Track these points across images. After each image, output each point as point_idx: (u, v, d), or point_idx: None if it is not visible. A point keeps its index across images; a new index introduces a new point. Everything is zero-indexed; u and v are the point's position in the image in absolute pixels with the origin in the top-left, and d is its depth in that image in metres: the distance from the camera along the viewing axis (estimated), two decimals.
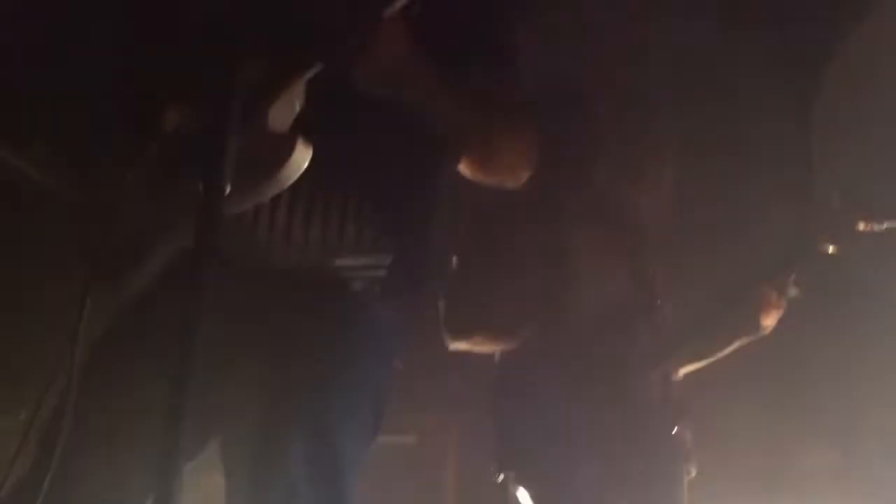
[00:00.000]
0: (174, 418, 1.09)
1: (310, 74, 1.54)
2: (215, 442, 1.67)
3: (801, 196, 3.95)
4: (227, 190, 1.23)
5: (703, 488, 3.07)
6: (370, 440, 1.74)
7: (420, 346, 2.15)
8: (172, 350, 1.13)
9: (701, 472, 2.98)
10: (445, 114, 1.73)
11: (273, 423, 1.61)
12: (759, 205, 3.94)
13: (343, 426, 1.65)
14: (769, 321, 2.94)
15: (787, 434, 4.13)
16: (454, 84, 1.70)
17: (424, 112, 1.71)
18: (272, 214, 1.67)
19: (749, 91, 3.95)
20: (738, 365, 3.08)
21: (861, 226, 2.80)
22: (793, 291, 2.91)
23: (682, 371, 2.99)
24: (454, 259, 2.94)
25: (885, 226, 2.81)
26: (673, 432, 2.86)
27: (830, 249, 2.83)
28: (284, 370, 1.63)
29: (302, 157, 1.49)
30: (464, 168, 1.88)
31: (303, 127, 1.56)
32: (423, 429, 3.96)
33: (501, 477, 2.74)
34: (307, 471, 1.59)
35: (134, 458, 1.53)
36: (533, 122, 1.87)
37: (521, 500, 2.73)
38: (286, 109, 1.58)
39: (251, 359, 1.64)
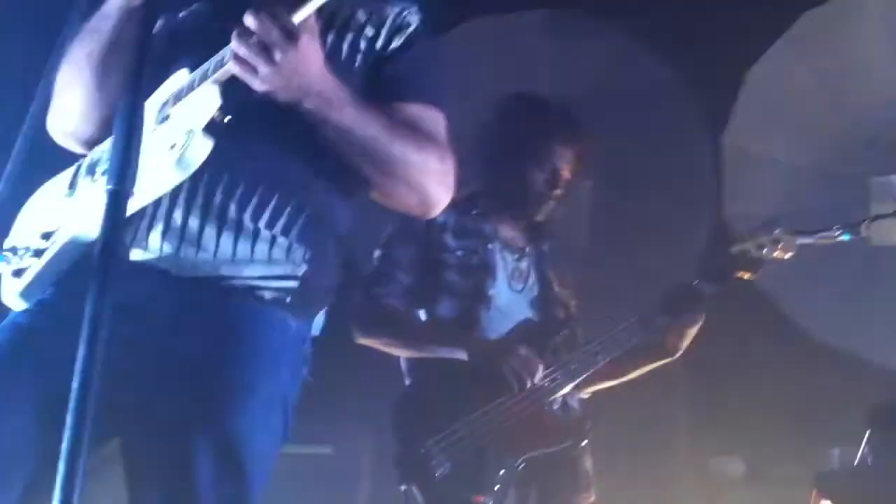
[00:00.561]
0: (78, 414, 1.10)
1: None
2: (116, 441, 1.67)
3: (712, 219, 4.11)
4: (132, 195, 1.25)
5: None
6: (277, 448, 1.75)
7: (335, 356, 2.17)
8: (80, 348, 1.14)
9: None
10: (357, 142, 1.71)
11: (180, 426, 1.61)
12: (671, 226, 4.08)
13: (251, 433, 1.65)
14: (682, 343, 2.98)
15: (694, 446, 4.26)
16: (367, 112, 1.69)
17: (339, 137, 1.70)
18: (184, 221, 1.69)
19: (662, 115, 4.09)
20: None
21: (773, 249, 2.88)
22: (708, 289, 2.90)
23: (591, 390, 3.05)
24: (376, 255, 2.98)
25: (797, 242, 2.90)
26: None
27: (745, 276, 2.91)
28: (192, 375, 1.64)
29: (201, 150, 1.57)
30: (375, 195, 1.85)
31: (216, 128, 1.61)
32: (338, 438, 3.97)
33: (404, 488, 2.77)
34: (213, 476, 1.60)
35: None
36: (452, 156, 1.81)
37: None
38: (203, 107, 1.63)
39: (158, 363, 1.64)
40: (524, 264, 3.09)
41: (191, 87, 1.67)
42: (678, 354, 3.01)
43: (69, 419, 1.11)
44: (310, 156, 1.75)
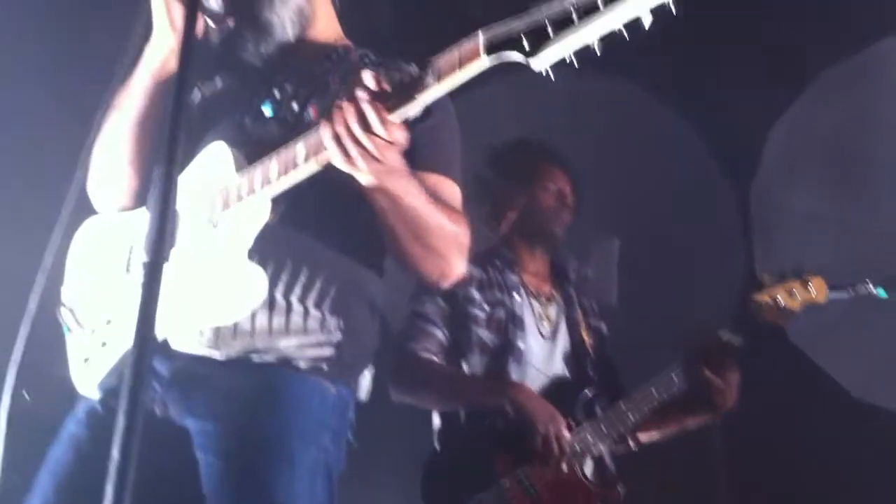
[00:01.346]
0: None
1: None
2: None
3: (743, 275, 4.07)
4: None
5: None
6: None
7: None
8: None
9: None
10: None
11: (226, 500, 1.64)
12: (702, 282, 4.05)
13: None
14: (723, 398, 2.89)
15: None
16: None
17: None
18: None
19: (689, 169, 4.09)
20: None
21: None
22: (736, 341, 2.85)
23: (642, 441, 3.00)
24: (407, 312, 2.98)
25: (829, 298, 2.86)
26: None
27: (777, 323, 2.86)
28: (235, 450, 1.66)
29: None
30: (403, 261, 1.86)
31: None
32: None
33: None
34: None
35: None
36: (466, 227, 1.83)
37: None
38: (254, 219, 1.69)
39: (201, 442, 1.68)
40: (552, 310, 3.10)
41: (250, 191, 1.69)
42: (722, 410, 2.92)
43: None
44: (336, 231, 1.80)
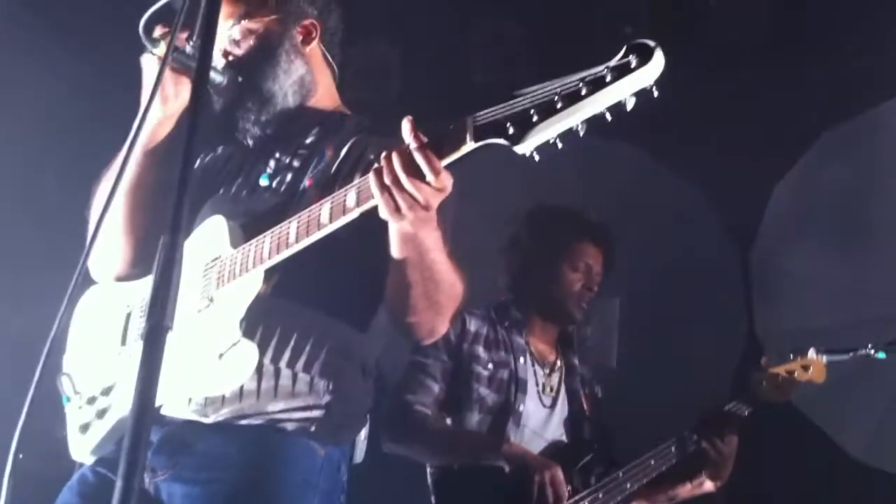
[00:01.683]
0: None
1: None
2: None
3: (744, 335, 4.08)
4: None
5: None
6: None
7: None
8: None
9: None
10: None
11: None
12: (703, 343, 4.05)
13: None
14: (721, 470, 2.90)
15: None
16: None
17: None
18: None
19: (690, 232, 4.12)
20: None
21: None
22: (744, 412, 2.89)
23: None
24: (407, 360, 2.95)
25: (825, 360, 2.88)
26: None
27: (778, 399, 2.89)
28: None
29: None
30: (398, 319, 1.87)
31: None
32: None
33: None
34: None
35: None
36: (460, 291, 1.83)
37: None
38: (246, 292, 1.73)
39: None
40: (554, 379, 3.09)
41: (244, 269, 1.73)
42: (720, 482, 2.93)
43: None
44: (325, 295, 1.81)
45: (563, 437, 3.01)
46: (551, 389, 3.07)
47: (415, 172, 1.51)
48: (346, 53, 2.14)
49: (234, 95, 1.94)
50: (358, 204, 1.60)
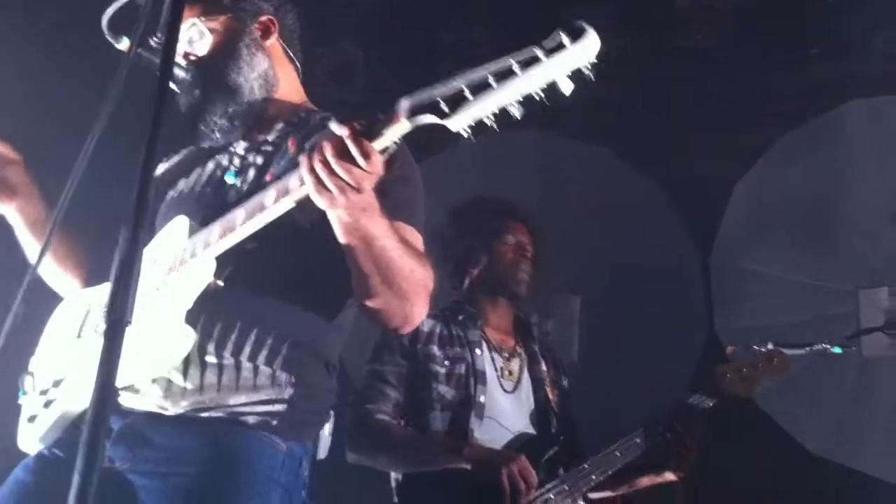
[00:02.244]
0: None
1: None
2: None
3: (704, 332, 4.14)
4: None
5: None
6: None
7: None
8: None
9: None
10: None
11: None
12: (663, 340, 4.10)
13: None
14: (684, 462, 2.93)
15: None
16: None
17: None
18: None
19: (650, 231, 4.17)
20: None
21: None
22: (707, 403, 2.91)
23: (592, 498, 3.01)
24: (365, 370, 2.96)
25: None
26: None
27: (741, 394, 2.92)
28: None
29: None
30: (365, 308, 1.85)
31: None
32: None
33: None
34: None
35: None
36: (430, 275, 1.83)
37: None
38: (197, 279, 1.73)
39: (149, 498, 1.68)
40: (514, 364, 3.11)
41: (192, 254, 1.75)
42: (682, 474, 2.95)
43: None
44: (287, 288, 1.81)
45: (531, 430, 3.03)
46: (510, 373, 3.08)
47: (345, 156, 1.53)
48: (312, 53, 2.16)
49: (200, 91, 1.94)
50: (300, 186, 1.62)
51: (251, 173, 1.92)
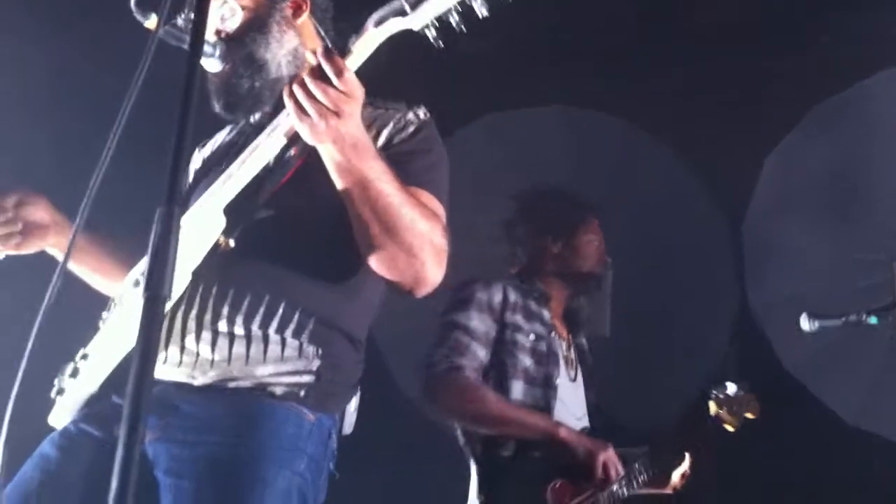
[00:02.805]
0: None
1: None
2: None
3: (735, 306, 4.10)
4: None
5: None
6: None
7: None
8: None
9: None
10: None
11: None
12: (695, 313, 4.07)
13: None
14: (676, 478, 3.04)
15: None
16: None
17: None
18: (197, 338, 1.77)
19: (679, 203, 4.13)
20: None
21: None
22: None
23: None
24: (446, 320, 2.93)
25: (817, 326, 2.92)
26: None
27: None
28: (212, 472, 1.67)
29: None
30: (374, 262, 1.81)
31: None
32: None
33: None
34: None
35: None
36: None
37: None
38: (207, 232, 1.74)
39: (176, 465, 1.69)
40: (572, 354, 3.13)
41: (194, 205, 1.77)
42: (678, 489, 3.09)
43: None
44: (309, 260, 1.81)
45: (585, 422, 3.06)
46: (571, 363, 3.10)
47: (321, 77, 1.55)
48: (339, 30, 2.15)
49: (229, 67, 1.95)
50: (286, 117, 1.67)
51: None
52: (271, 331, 1.77)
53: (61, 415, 1.85)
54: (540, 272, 3.16)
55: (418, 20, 1.54)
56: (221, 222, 1.73)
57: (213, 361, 1.75)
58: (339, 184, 1.67)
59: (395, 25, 1.58)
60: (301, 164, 1.82)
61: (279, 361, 1.77)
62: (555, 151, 4.28)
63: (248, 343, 1.76)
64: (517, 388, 2.89)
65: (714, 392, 3.04)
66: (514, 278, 3.13)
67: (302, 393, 1.77)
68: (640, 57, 4.17)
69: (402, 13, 1.55)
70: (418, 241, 1.73)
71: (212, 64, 1.93)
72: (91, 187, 1.55)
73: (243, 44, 1.95)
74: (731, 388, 3.02)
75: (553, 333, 3.05)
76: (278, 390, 1.76)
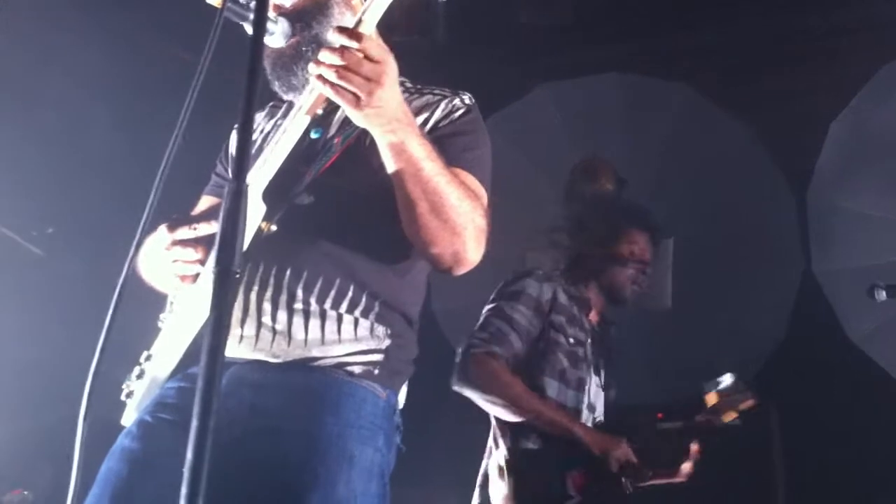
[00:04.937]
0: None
1: None
2: None
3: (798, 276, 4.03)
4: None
5: None
6: None
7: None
8: None
9: None
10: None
11: (291, 495, 1.65)
12: (756, 284, 4.02)
13: (352, 501, 1.69)
14: (686, 468, 3.04)
15: None
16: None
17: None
18: (272, 318, 1.81)
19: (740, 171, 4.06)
20: None
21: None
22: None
23: None
24: (491, 307, 3.02)
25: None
26: None
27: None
28: (299, 447, 1.70)
29: None
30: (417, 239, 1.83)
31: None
32: None
33: None
34: None
35: None
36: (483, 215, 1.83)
37: None
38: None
39: (266, 442, 1.71)
40: (601, 363, 3.19)
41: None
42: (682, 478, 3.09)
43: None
44: (368, 243, 1.87)
45: (601, 416, 3.13)
46: (600, 371, 3.17)
47: (338, 47, 1.57)
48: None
49: (290, 43, 1.96)
50: (309, 93, 1.71)
51: (332, 129, 1.96)
52: (342, 310, 1.83)
53: (133, 416, 1.90)
54: (582, 275, 3.21)
55: None
56: (262, 208, 1.74)
57: (290, 340, 1.80)
58: (391, 164, 1.70)
59: None
60: (345, 148, 1.87)
61: (354, 341, 1.83)
62: (611, 118, 4.23)
63: (323, 322, 1.81)
64: (552, 387, 2.96)
65: (710, 384, 3.07)
66: (564, 280, 3.17)
67: (376, 371, 1.83)
68: (700, 11, 4.10)
69: None
70: (462, 221, 1.76)
71: (274, 40, 1.95)
72: (161, 171, 1.58)
73: (302, 20, 1.97)
74: (728, 379, 3.03)
75: (590, 340, 3.11)
76: (356, 369, 1.82)
